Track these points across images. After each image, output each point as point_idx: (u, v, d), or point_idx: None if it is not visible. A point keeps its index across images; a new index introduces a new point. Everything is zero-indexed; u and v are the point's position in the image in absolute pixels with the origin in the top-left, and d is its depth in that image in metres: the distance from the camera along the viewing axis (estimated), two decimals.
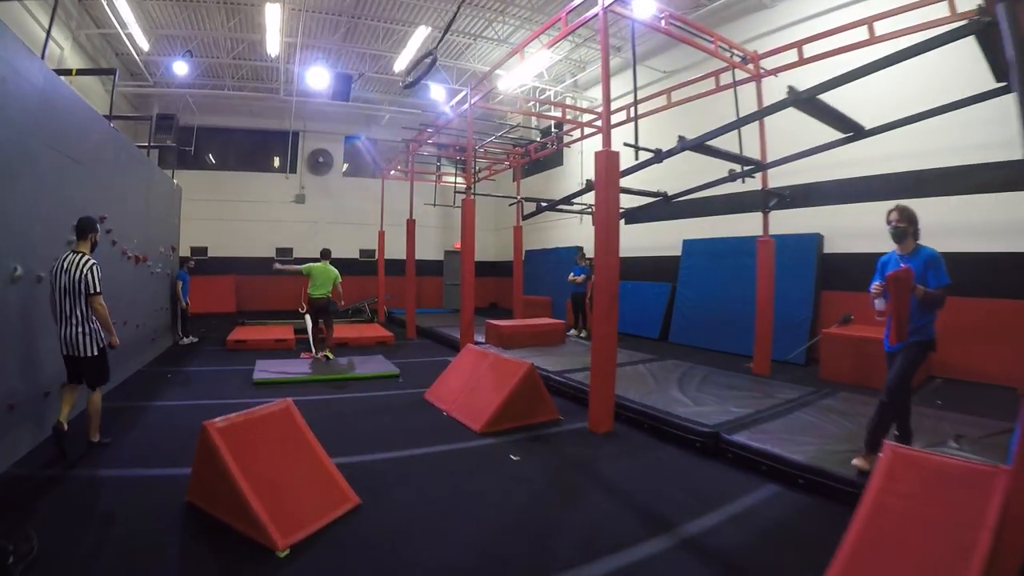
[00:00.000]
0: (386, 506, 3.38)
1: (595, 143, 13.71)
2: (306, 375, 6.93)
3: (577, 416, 5.50)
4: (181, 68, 13.83)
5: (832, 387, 6.30)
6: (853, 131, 5.81)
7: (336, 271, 8.62)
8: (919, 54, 4.46)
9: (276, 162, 17.63)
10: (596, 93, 14.96)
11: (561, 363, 7.50)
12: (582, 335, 11.30)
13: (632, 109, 5.98)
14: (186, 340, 10.15)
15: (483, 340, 9.12)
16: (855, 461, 3.71)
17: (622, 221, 10.94)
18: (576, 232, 15.76)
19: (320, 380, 6.83)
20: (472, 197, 8.04)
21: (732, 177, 7.25)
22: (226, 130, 17.22)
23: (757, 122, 7.39)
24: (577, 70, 14.90)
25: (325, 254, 8.77)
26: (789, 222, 9.00)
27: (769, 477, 4.01)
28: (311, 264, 8.57)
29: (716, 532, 3.23)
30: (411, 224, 11.34)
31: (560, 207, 9.01)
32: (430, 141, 12.03)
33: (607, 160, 5.08)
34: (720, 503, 3.62)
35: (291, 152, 17.38)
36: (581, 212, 9.64)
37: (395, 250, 15.47)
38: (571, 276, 11.76)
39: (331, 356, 8.18)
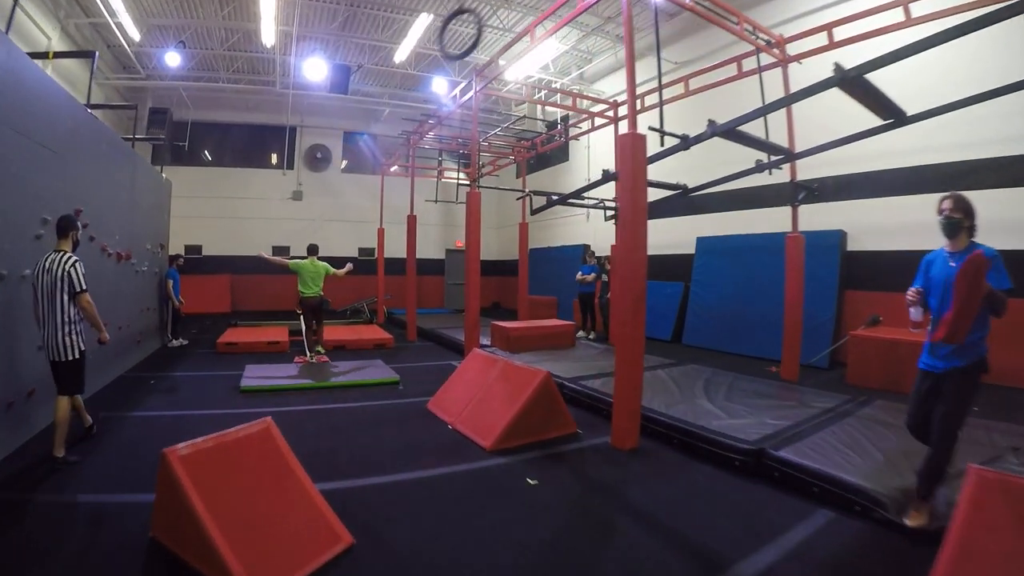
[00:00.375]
0: (384, 547, 2.84)
1: (604, 136, 13.26)
2: (298, 383, 6.38)
3: (596, 429, 4.98)
4: (173, 59, 13.29)
5: (864, 393, 5.88)
6: (894, 117, 5.29)
7: (326, 264, 8.27)
8: (980, 28, 3.95)
9: (273, 158, 17.11)
10: (604, 86, 14.43)
11: (574, 368, 6.97)
12: (591, 337, 10.79)
13: (658, 93, 5.41)
14: (175, 343, 9.62)
15: (488, 343, 8.59)
16: (909, 521, 3.08)
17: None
18: (582, 229, 15.25)
19: (313, 388, 6.29)
20: (478, 190, 7.50)
21: (760, 168, 6.71)
22: (221, 125, 16.70)
23: (783, 110, 6.90)
24: (583, 62, 14.39)
25: (312, 250, 8.36)
26: (810, 218, 8.47)
27: (821, 501, 3.51)
28: (298, 260, 8.15)
29: (774, 574, 2.71)
30: (412, 220, 10.82)
31: (572, 201, 8.46)
32: (432, 133, 11.50)
33: (633, 144, 4.52)
34: (772, 535, 3.11)
35: (288, 148, 16.85)
36: (595, 206, 9.09)
37: (395, 249, 14.97)
38: (579, 275, 11.23)
39: (322, 350, 7.98)
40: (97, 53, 8.76)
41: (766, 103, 5.91)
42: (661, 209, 9.65)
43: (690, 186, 7.79)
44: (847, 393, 5.89)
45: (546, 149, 12.89)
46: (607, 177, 6.48)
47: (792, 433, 4.38)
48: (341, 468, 3.89)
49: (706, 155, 7.24)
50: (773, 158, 6.63)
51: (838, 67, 4.58)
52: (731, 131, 5.41)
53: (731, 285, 10.48)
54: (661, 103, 5.42)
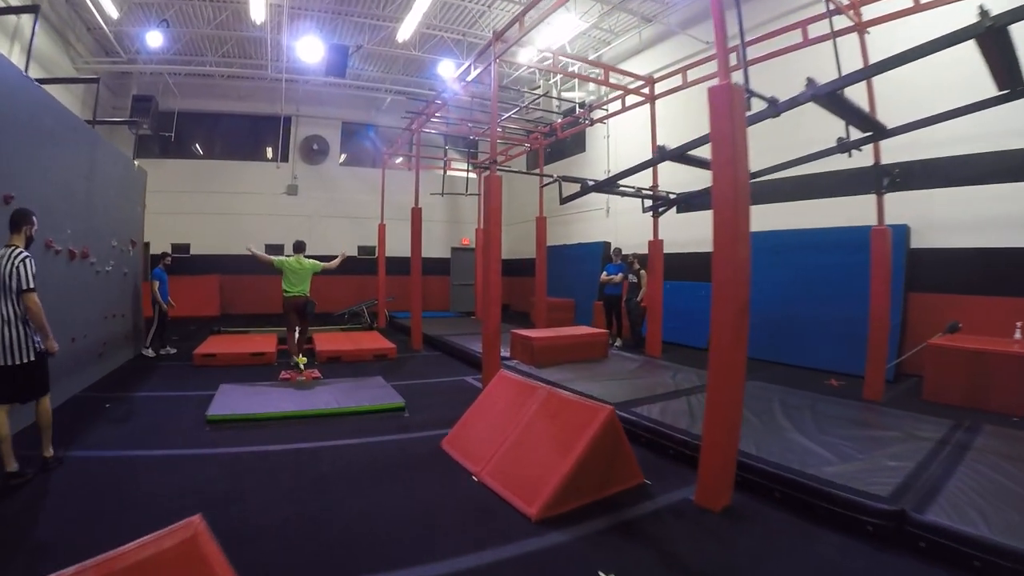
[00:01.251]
0: None
1: (628, 123, 12.03)
2: (279, 410, 5.14)
3: (666, 476, 3.79)
4: (156, 39, 12.14)
5: (952, 413, 5.09)
6: (1010, 87, 4.14)
7: (314, 261, 7.44)
8: None
9: (266, 151, 15.92)
10: (626, 67, 13.22)
11: (619, 390, 5.76)
12: (617, 344, 9.61)
13: (740, 50, 4.20)
14: (165, 351, 8.52)
15: (506, 355, 7.39)
16: None
17: (672, 209, 9.28)
18: (600, 226, 14.03)
19: (298, 417, 5.08)
20: (498, 174, 6.30)
21: (842, 147, 5.52)
22: (211, 115, 15.53)
23: (862, 83, 5.73)
24: (601, 45, 13.18)
25: (298, 246, 7.53)
26: (863, 212, 7.33)
27: None
28: (283, 258, 7.35)
29: None
30: (417, 214, 9.63)
31: (606, 189, 7.26)
32: (437, 116, 10.30)
33: (732, 99, 3.30)
34: None
35: (282, 139, 15.65)
36: (636, 195, 7.89)
37: (397, 247, 13.82)
38: (604, 275, 10.06)
39: (303, 363, 6.89)
40: (40, 6, 7.51)
41: (843, 72, 4.69)
42: (704, 200, 8.47)
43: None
44: (943, 415, 4.92)
45: (567, 135, 11.68)
46: (665, 155, 5.26)
47: (925, 482, 3.32)
48: (322, 558, 2.68)
49: (763, 136, 6.04)
50: (864, 135, 5.42)
51: (984, 12, 3.42)
52: (833, 96, 4.22)
53: (775, 286, 9.30)
54: (745, 60, 4.21)
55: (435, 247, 17.04)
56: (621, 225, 13.29)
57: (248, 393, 5.58)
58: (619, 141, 13.44)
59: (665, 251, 9.18)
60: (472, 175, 16.51)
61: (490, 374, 6.13)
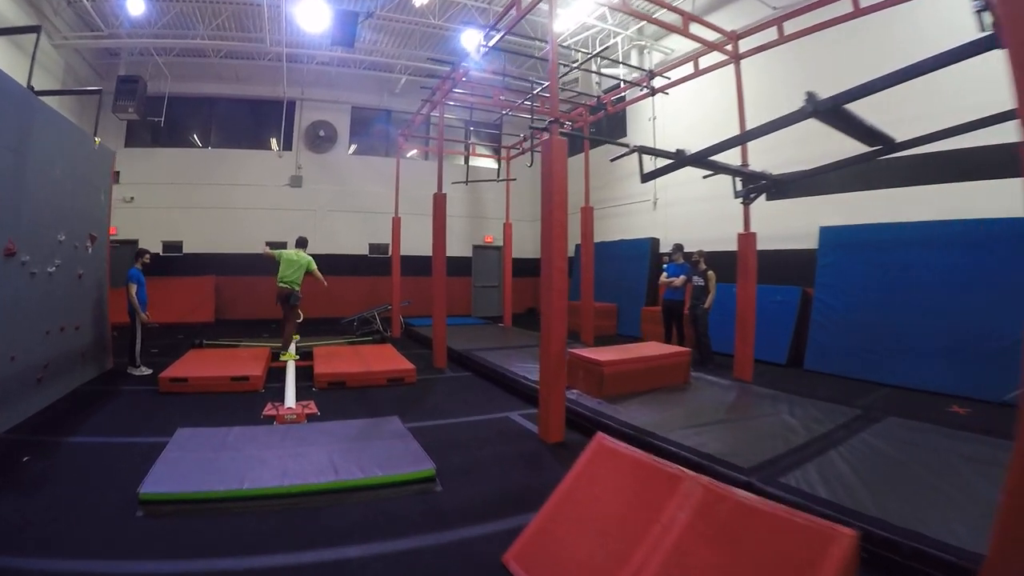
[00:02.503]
0: None
1: (677, 101, 10.27)
2: (248, 487, 3.32)
3: None
4: (138, 5, 10.57)
5: None
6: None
7: (308, 257, 7.68)
8: None
9: (267, 138, 14.31)
10: (672, 42, 11.49)
11: (744, 442, 4.01)
12: None
13: None
14: (139, 372, 6.94)
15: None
16: None
17: (761, 197, 7.49)
18: (646, 220, 12.27)
19: (275, 496, 3.32)
20: (561, 138, 4.60)
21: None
22: (206, 100, 14.00)
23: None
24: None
25: (301, 242, 7.93)
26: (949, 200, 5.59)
27: None
28: (283, 250, 7.74)
29: None
30: (440, 201, 7.90)
31: (705, 162, 5.51)
32: (459, 90, 8.62)
33: None
34: None
35: (285, 125, 14.07)
36: (737, 172, 6.16)
37: (413, 245, 12.22)
38: (664, 277, 8.38)
39: (288, 357, 6.94)
40: None
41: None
42: (808, 182, 6.69)
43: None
44: None
45: (619, 108, 9.96)
46: (818, 105, 3.52)
47: None
48: None
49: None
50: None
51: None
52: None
53: (872, 290, 7.67)
54: None
55: (455, 245, 15.33)
56: (671, 218, 11.55)
57: (212, 445, 3.90)
58: (666, 122, 11.70)
59: (723, 248, 7.63)
60: (494, 164, 14.89)
61: (553, 419, 4.44)
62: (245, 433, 4.29)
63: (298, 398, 5.55)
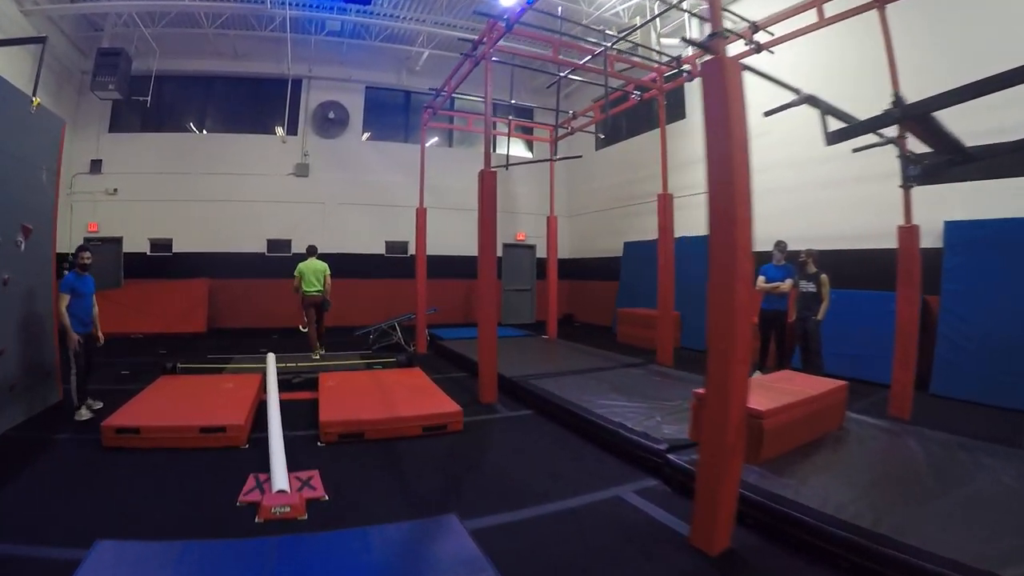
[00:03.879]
0: None
1: (783, 62, 8.20)
2: None
3: None
4: None
5: None
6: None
7: (324, 264, 8.02)
8: None
9: (270, 122, 12.51)
10: (744, 7, 9.56)
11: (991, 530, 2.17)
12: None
13: None
14: (83, 414, 5.08)
15: (677, 434, 3.83)
16: None
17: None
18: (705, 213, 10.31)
19: None
20: (733, 60, 2.73)
21: None
22: (200, 78, 12.29)
23: None
24: None
25: (311, 250, 8.15)
26: None
27: None
28: (300, 264, 7.97)
29: None
30: (490, 180, 5.95)
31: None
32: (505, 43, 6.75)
33: None
34: None
35: (290, 107, 12.33)
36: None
37: (437, 243, 10.45)
38: (761, 281, 6.53)
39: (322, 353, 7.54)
40: None
41: None
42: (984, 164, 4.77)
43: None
44: None
45: (674, 86, 8.09)
46: None
47: None
48: None
49: None
50: None
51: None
52: None
53: (1018, 299, 5.80)
54: None
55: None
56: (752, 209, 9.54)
57: None
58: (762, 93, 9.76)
59: (825, 247, 6.23)
60: (526, 152, 13.08)
61: (721, 519, 2.61)
62: (204, 557, 2.45)
63: (298, 458, 3.73)
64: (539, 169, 13.94)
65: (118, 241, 11.54)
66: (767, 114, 4.50)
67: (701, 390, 4.03)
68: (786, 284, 6.49)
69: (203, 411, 4.48)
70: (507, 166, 8.70)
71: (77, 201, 11.39)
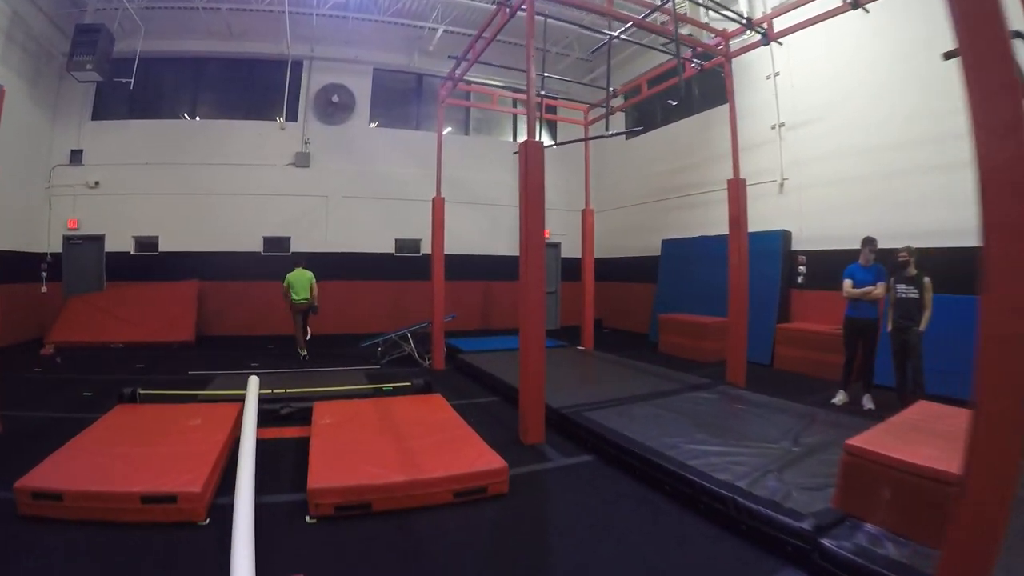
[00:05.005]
0: None
1: (813, 49, 6.85)
2: None
3: None
4: None
5: None
6: None
7: (310, 273, 8.43)
8: None
9: (267, 107, 11.29)
10: None
11: None
12: (868, 406, 5.48)
13: None
14: None
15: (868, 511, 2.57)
16: None
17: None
18: (770, 207, 8.97)
19: None
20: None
21: None
22: (191, 60, 11.10)
23: None
24: None
25: (297, 261, 8.61)
26: None
27: None
28: (288, 276, 8.29)
29: None
30: (535, 152, 4.63)
31: None
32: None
33: None
34: None
35: (289, 90, 11.12)
36: None
37: (453, 241, 9.22)
38: (847, 286, 5.66)
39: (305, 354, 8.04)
40: None
41: None
42: None
43: None
44: None
45: (743, 52, 6.77)
46: None
47: None
48: None
49: None
50: None
51: None
52: None
53: None
54: None
55: (504, 242, 12.27)
56: (809, 204, 8.40)
57: None
58: (796, 81, 8.57)
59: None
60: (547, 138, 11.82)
61: None
62: None
63: (276, 545, 2.52)
64: (564, 159, 12.66)
65: (99, 239, 10.38)
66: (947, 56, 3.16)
67: (860, 443, 2.83)
68: (879, 288, 5.43)
69: (151, 467, 3.23)
70: (556, 144, 7.40)
71: (56, 195, 10.28)
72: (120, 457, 3.44)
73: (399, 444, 3.74)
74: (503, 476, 3.43)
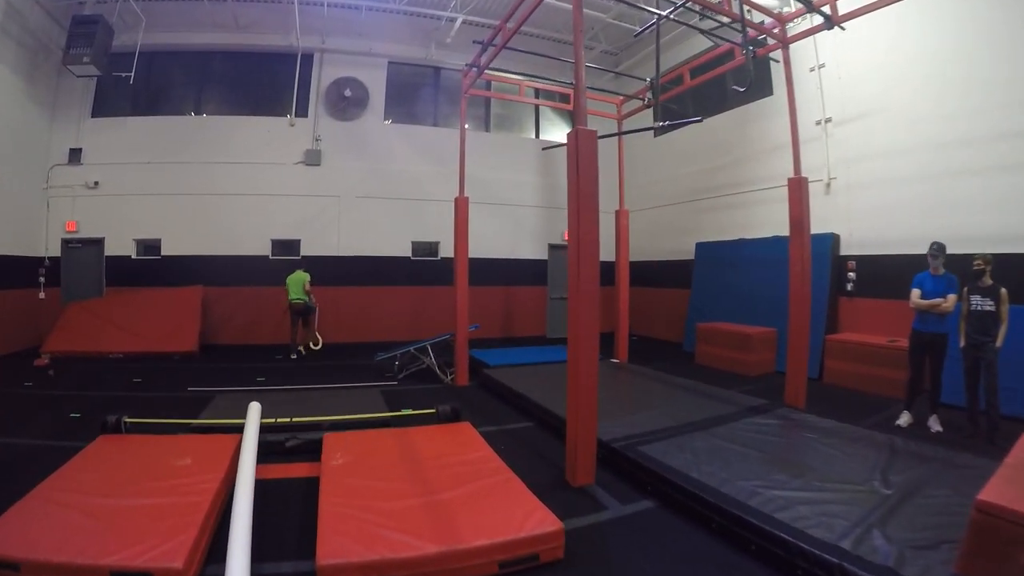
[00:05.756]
0: None
1: (866, 37, 5.89)
2: None
3: None
4: None
5: None
6: None
7: (306, 274, 8.77)
8: None
9: (275, 102, 10.67)
10: None
11: None
12: (936, 428, 4.98)
13: None
14: None
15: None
16: None
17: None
18: (816, 208, 8.12)
19: None
20: None
21: None
22: (196, 54, 10.53)
23: None
24: None
25: (299, 264, 8.93)
26: None
27: None
28: (288, 277, 8.65)
29: None
30: (588, 141, 3.78)
31: None
32: None
33: None
34: None
35: (299, 85, 10.51)
36: None
37: (472, 245, 8.51)
38: (915, 296, 5.10)
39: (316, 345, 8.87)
40: None
41: None
42: None
43: None
44: None
45: (801, 37, 6.02)
46: None
47: None
48: None
49: None
50: None
51: None
52: None
53: None
54: None
55: (527, 245, 11.63)
56: (859, 205, 7.78)
57: None
58: (843, 74, 7.90)
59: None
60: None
61: None
62: None
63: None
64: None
65: (99, 242, 9.83)
66: None
67: (994, 498, 2.20)
68: (948, 302, 4.87)
69: (128, 528, 2.58)
70: (620, 134, 6.71)
71: (54, 196, 9.74)
72: (93, 513, 2.79)
73: (428, 495, 3.05)
74: (559, 540, 2.74)
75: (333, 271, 10.12)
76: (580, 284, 3.76)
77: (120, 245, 9.81)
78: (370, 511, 2.83)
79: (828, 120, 8.01)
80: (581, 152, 3.78)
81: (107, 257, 9.81)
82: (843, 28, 5.64)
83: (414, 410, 4.76)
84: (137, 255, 9.89)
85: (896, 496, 3.13)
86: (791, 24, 6.13)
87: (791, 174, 5.80)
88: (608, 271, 11.52)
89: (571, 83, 7.14)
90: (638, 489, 3.74)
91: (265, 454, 3.80)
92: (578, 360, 3.75)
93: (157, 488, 3.07)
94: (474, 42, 6.73)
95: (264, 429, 4.03)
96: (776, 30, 6.08)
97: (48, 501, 2.93)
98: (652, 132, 11.01)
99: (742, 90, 5.52)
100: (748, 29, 5.91)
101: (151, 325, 8.92)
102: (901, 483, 3.32)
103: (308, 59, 10.62)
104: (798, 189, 5.70)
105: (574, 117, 3.90)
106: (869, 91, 7.44)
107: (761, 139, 9.22)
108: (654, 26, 5.65)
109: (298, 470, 3.82)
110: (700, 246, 10.20)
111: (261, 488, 3.13)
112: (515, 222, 11.25)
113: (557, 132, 12.22)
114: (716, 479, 3.43)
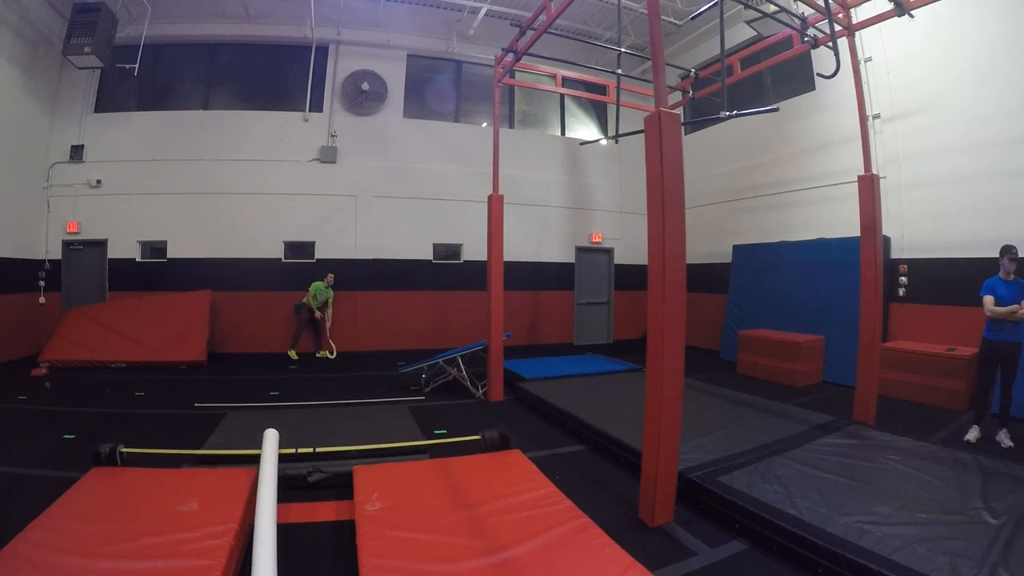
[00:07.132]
0: None
1: (921, 32, 5.23)
2: None
3: None
4: None
5: None
6: None
7: (331, 292, 8.93)
8: None
9: (288, 97, 10.11)
10: None
11: None
12: (1006, 443, 4.60)
13: None
14: None
15: None
16: None
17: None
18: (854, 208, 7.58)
19: None
20: None
21: None
22: (204, 46, 10.02)
23: None
24: None
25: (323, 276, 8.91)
26: None
27: None
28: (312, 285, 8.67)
29: None
30: (670, 124, 3.08)
31: None
32: None
33: None
34: None
35: (314, 78, 9.95)
36: None
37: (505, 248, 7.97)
38: (989, 303, 4.66)
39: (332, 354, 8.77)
40: None
41: None
42: None
43: None
44: None
45: (868, 24, 5.41)
46: None
47: None
48: None
49: None
50: None
51: None
52: None
53: None
54: None
55: (553, 247, 10.99)
56: (912, 206, 7.22)
57: None
58: (893, 68, 7.36)
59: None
60: (595, 133, 10.60)
61: None
62: None
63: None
64: (615, 156, 11.40)
65: (102, 244, 9.30)
66: None
67: None
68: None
69: None
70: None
71: (55, 196, 9.21)
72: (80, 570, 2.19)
73: (494, 552, 2.44)
74: None
75: (350, 275, 9.56)
76: (665, 294, 3.12)
77: (124, 247, 9.26)
78: None
79: (876, 116, 7.48)
80: (665, 138, 3.15)
81: (110, 260, 9.26)
82: (912, 16, 5.08)
83: (455, 437, 4.11)
84: (142, 258, 9.34)
85: (1008, 527, 2.79)
86: (854, 9, 5.55)
87: (841, 172, 5.26)
88: (639, 274, 10.91)
89: (611, 71, 6.56)
90: (723, 527, 3.16)
91: (284, 489, 3.20)
92: (663, 383, 3.13)
93: (156, 544, 2.46)
94: (511, 24, 6.13)
95: (283, 459, 3.43)
96: (840, 15, 5.48)
97: (25, 560, 2.33)
98: (683, 128, 10.44)
99: (828, 76, 4.93)
100: (803, 17, 5.36)
101: (156, 332, 8.35)
102: (1006, 509, 2.99)
103: (323, 51, 10.07)
104: (869, 187, 5.11)
105: (656, 98, 3.20)
106: (923, 87, 6.98)
107: (802, 137, 8.67)
108: (716, 3, 5.03)
109: (325, 511, 3.21)
110: (738, 249, 9.56)
111: (281, 535, 2.53)
112: (541, 223, 10.64)
113: (583, 129, 11.64)
114: (817, 515, 2.93)
